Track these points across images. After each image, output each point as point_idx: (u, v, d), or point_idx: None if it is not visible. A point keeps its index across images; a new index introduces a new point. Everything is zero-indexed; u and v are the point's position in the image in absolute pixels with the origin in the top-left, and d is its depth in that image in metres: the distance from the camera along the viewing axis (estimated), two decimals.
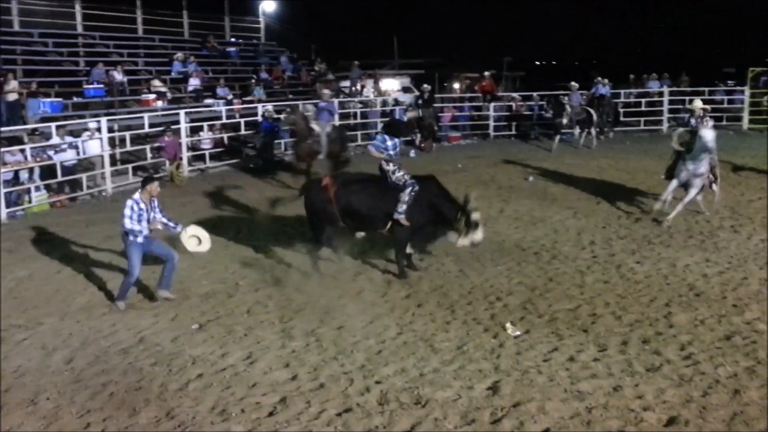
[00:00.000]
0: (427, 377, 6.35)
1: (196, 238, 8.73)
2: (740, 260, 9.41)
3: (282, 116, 16.51)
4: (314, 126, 15.23)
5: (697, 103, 12.65)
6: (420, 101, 21.29)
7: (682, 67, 26.90)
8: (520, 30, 43.12)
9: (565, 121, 20.21)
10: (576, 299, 8.20)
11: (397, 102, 23.38)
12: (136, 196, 8.24)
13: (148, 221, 8.22)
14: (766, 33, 35.98)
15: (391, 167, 9.04)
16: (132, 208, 8.15)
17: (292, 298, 8.46)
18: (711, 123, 11.95)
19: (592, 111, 20.87)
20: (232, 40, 26.13)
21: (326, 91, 18.37)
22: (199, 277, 9.36)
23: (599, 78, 22.65)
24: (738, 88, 24.83)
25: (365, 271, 9.44)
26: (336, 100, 19.46)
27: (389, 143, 9.16)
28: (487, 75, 25.35)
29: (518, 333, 7.25)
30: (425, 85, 22.06)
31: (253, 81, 22.23)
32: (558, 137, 20.28)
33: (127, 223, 8.12)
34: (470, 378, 6.30)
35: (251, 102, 20.45)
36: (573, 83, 22.22)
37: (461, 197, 9.12)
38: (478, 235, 8.88)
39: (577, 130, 20.57)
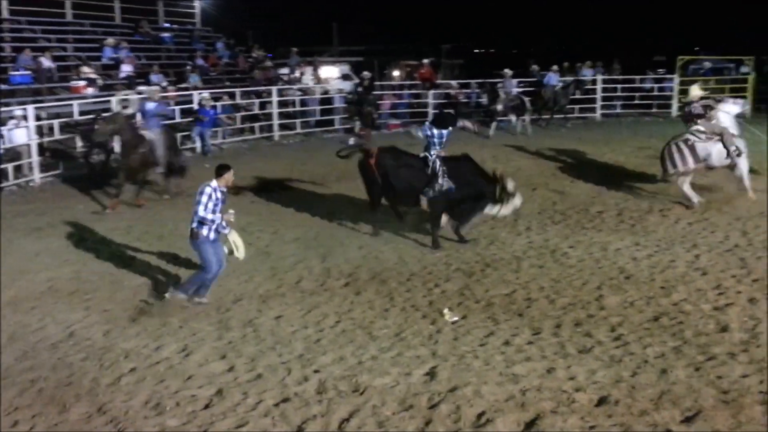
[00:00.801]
0: (366, 365, 6.37)
1: (233, 244, 8.01)
2: (668, 243, 9.72)
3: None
4: (144, 133, 12.77)
5: (695, 92, 12.89)
6: (360, 89, 21.24)
7: (614, 56, 27.57)
8: (459, 18, 43.38)
9: (500, 107, 20.50)
10: (512, 284, 8.35)
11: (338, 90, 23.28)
12: (214, 183, 7.55)
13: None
14: (694, 22, 37.17)
15: (431, 155, 9.81)
16: (210, 196, 7.47)
17: (229, 288, 8.35)
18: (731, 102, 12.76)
19: (525, 98, 21.28)
20: (166, 25, 25.44)
21: (155, 88, 15.89)
22: (133, 268, 9.14)
23: (555, 67, 23.14)
24: (668, 76, 25.59)
25: (304, 259, 9.39)
26: (166, 102, 16.57)
27: (435, 131, 9.86)
28: (426, 62, 25.47)
29: (456, 318, 7.33)
30: (365, 72, 22.03)
31: (189, 68, 21.72)
32: (494, 124, 20.54)
33: (201, 211, 7.42)
34: (408, 364, 6.34)
35: (187, 89, 19.99)
36: (506, 70, 22.61)
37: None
38: (516, 200, 9.78)
39: (513, 117, 20.88)
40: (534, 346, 6.65)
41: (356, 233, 10.55)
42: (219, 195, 7.59)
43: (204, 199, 7.48)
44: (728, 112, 12.09)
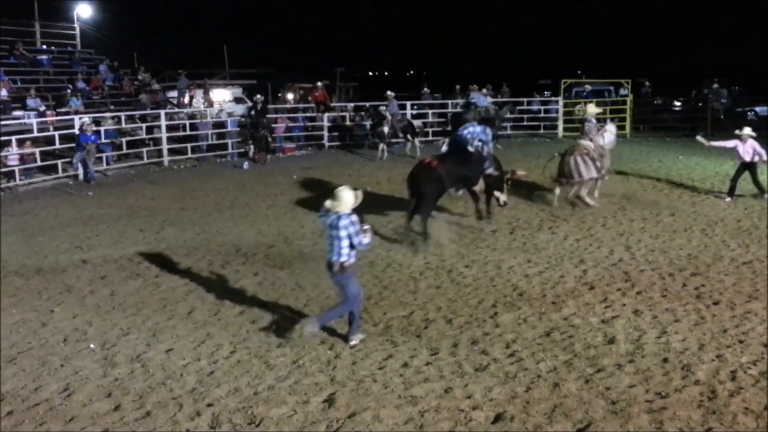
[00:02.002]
0: (262, 395, 6.18)
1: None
2: (557, 260, 10.06)
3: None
4: None
5: (591, 110, 14.43)
6: (253, 112, 20.95)
7: (503, 79, 28.66)
8: (353, 41, 43.90)
9: (386, 129, 20.63)
10: (410, 305, 8.36)
11: (229, 114, 22.85)
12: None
13: None
14: (577, 47, 39.26)
15: (486, 150, 12.01)
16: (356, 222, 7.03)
17: (115, 322, 7.92)
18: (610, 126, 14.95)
19: (412, 120, 21.65)
20: (44, 47, 24.28)
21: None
22: (7, 305, 8.52)
23: (484, 90, 24.04)
24: (553, 98, 26.82)
25: (196, 289, 9.05)
26: None
27: (489, 131, 12.28)
28: (320, 85, 25.52)
29: (354, 343, 7.25)
30: (258, 96, 21.76)
31: (69, 91, 20.76)
32: (383, 146, 20.61)
33: (366, 240, 7.05)
34: (306, 392, 6.20)
35: (67, 113, 19.06)
36: (389, 92, 23.08)
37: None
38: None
39: (402, 139, 21.13)
40: (432, 366, 6.66)
41: (251, 260, 10.30)
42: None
43: (358, 227, 7.03)
44: (612, 132, 14.19)
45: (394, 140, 21.20)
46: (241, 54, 36.01)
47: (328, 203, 7.14)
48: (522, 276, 9.37)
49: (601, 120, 21.15)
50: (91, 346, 7.32)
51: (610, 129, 14.65)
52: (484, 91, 24.33)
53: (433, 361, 6.78)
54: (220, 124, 21.76)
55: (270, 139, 21.00)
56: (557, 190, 13.50)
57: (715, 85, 26.14)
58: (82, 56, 24.84)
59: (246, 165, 19.30)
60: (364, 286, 8.99)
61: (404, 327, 7.69)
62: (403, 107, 24.41)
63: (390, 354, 6.96)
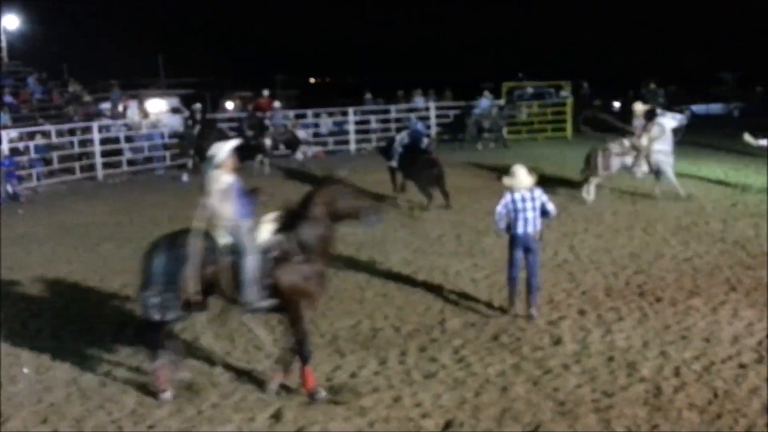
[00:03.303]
0: (206, 414, 5.98)
1: None
2: (504, 264, 10.00)
3: None
4: None
5: (639, 108, 14.94)
6: (190, 122, 20.37)
7: (445, 84, 28.83)
8: (292, 48, 43.65)
9: (268, 141, 19.68)
10: (356, 315, 8.26)
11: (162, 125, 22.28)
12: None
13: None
14: (516, 49, 39.94)
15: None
16: None
17: (45, 347, 7.56)
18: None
19: (296, 132, 21.04)
20: None
21: None
22: None
23: (486, 91, 24.44)
24: (496, 102, 27.07)
25: (135, 308, 8.72)
26: None
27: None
28: (266, 94, 25.12)
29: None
30: (196, 105, 21.27)
31: None
32: (266, 159, 19.68)
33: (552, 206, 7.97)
34: (252, 408, 6.04)
35: None
36: (276, 103, 22.15)
37: None
38: None
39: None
40: (380, 376, 6.58)
41: None
42: None
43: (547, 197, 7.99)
44: (666, 123, 14.19)
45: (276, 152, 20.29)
46: (177, 63, 35.36)
47: (507, 181, 7.96)
48: (469, 281, 9.38)
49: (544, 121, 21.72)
50: (25, 370, 6.99)
51: (664, 121, 14.21)
52: (487, 93, 24.70)
53: (381, 370, 6.70)
54: (157, 136, 21.21)
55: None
56: (591, 184, 13.90)
57: (652, 85, 26.71)
58: (9, 69, 23.95)
59: (185, 177, 18.85)
60: None
61: (352, 337, 7.59)
62: (345, 113, 24.26)
63: (338, 365, 6.85)
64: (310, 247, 6.18)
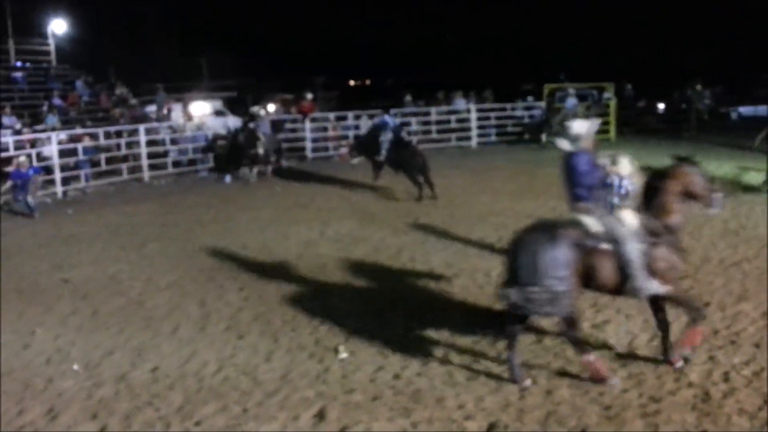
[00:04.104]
0: (251, 412, 6.06)
1: None
2: None
3: None
4: None
5: None
6: (252, 124, 19.33)
7: (485, 85, 28.66)
8: (332, 50, 43.86)
9: (261, 151, 18.60)
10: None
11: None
12: None
13: None
14: (558, 51, 39.49)
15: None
16: None
17: (98, 342, 7.76)
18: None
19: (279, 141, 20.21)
20: (18, 64, 23.99)
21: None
22: None
23: (571, 90, 24.33)
24: (536, 104, 26.84)
25: (181, 306, 8.91)
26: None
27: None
28: (309, 97, 25.33)
29: (344, 356, 7.15)
30: (256, 108, 21.50)
31: (45, 108, 20.50)
32: (255, 170, 18.75)
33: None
34: (296, 407, 6.09)
35: (44, 131, 18.81)
36: (260, 111, 20.93)
37: None
38: None
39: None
40: (423, 377, 6.57)
41: (236, 275, 10.16)
42: None
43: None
44: None
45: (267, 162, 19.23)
46: (220, 66, 35.82)
47: (609, 166, 8.22)
48: None
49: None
50: (75, 366, 7.16)
51: None
52: (571, 91, 24.62)
53: (423, 372, 6.69)
54: (200, 138, 21.52)
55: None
56: None
57: (698, 86, 26.24)
58: (58, 72, 24.60)
59: (228, 178, 19.12)
60: (368, 300, 8.93)
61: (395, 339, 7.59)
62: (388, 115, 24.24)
63: (381, 366, 6.87)
64: (673, 226, 6.36)
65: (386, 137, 16.16)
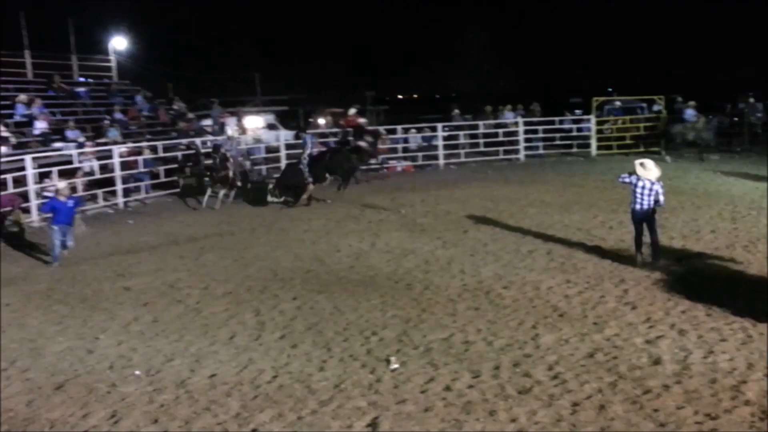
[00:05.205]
0: (306, 420, 6.19)
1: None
2: (597, 279, 9.95)
3: None
4: None
5: None
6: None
7: (533, 98, 28.53)
8: (381, 65, 44.27)
9: (231, 173, 17.52)
10: (449, 328, 8.32)
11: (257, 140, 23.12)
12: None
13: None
14: (607, 64, 39.07)
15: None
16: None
17: (159, 348, 8.03)
18: None
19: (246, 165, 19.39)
20: (81, 79, 24.89)
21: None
22: (54, 333, 8.69)
23: (692, 102, 23.98)
24: (585, 117, 26.59)
25: (237, 314, 9.14)
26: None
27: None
28: (352, 111, 25.67)
29: (396, 366, 7.25)
30: (352, 108, 22.99)
31: (107, 122, 21.23)
32: (222, 192, 17.52)
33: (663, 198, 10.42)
34: (349, 416, 6.20)
35: (105, 144, 19.48)
36: (230, 132, 20.11)
37: None
38: None
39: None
40: (474, 389, 6.61)
41: (289, 285, 10.37)
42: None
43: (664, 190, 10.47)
44: None
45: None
46: (272, 81, 36.52)
47: (640, 171, 10.28)
48: (561, 296, 9.29)
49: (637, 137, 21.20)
50: (137, 372, 7.42)
51: None
52: (692, 103, 24.41)
53: (475, 383, 6.74)
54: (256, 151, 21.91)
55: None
56: None
57: (751, 99, 25.66)
58: (119, 87, 25.41)
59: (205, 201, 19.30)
60: (402, 309, 9.05)
61: (445, 349, 7.66)
62: (434, 129, 24.40)
63: (431, 377, 6.94)
64: None
65: (305, 154, 17.56)
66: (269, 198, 17.64)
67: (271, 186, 17.98)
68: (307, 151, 17.68)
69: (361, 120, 22.85)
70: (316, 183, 17.49)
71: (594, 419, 5.91)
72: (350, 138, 20.79)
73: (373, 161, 21.80)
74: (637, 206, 10.32)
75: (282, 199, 17.35)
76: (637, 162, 10.48)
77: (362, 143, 20.46)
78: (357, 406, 6.40)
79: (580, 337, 7.78)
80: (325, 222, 14.91)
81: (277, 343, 8.08)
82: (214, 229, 14.68)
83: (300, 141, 19.32)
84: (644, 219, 10.33)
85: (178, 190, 19.14)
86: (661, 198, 10.30)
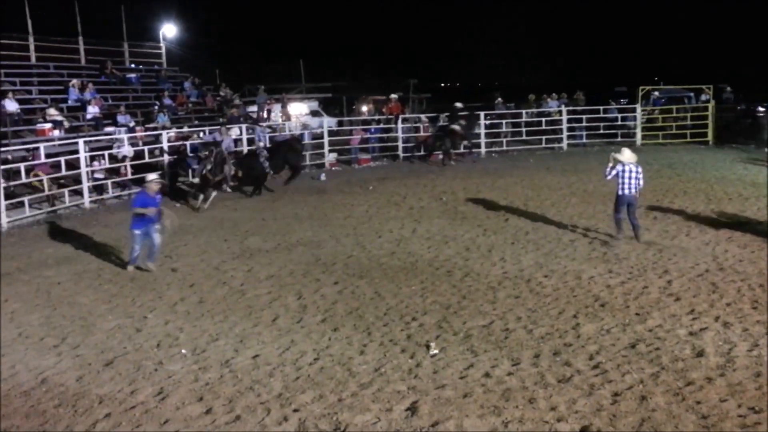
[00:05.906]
0: (346, 402, 6.30)
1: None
2: (640, 270, 9.84)
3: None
4: None
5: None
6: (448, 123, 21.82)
7: (577, 87, 28.11)
8: (424, 53, 44.12)
9: (227, 169, 16.39)
10: (489, 315, 8.35)
11: (305, 126, 23.34)
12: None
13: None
14: (653, 53, 38.25)
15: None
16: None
17: (204, 328, 8.24)
18: None
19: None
20: (132, 65, 25.42)
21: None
22: (104, 312, 8.98)
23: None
24: (630, 106, 26.11)
25: (280, 297, 9.31)
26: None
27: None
28: (393, 98, 25.71)
29: (435, 352, 7.31)
30: (458, 103, 23.26)
31: (156, 107, 21.67)
32: (214, 193, 16.17)
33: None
34: (389, 400, 6.29)
35: (155, 129, 19.89)
36: (224, 128, 19.12)
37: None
38: None
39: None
40: (514, 376, 6.64)
41: (331, 269, 10.50)
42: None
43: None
44: None
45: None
46: (316, 67, 36.76)
47: (619, 156, 11.20)
48: (603, 286, 9.22)
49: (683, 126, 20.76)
50: (183, 351, 7.63)
51: None
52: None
53: (514, 371, 6.76)
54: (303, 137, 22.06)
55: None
56: None
57: None
58: (168, 74, 25.87)
59: (323, 176, 19.65)
60: (442, 296, 9.09)
61: (484, 336, 7.69)
62: (477, 117, 24.28)
63: (471, 363, 6.99)
64: None
65: (260, 146, 18.57)
66: (191, 201, 16.11)
67: (193, 189, 16.50)
68: (261, 144, 18.95)
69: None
70: (274, 173, 18.05)
71: (635, 410, 5.89)
72: (444, 123, 21.87)
73: (465, 143, 22.26)
74: (626, 191, 11.08)
75: (200, 199, 15.57)
76: (615, 154, 11.38)
77: (456, 126, 21.43)
78: (396, 390, 6.49)
79: (622, 328, 7.73)
80: (366, 208, 15.01)
81: (318, 326, 8.22)
82: (258, 214, 14.89)
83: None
84: (629, 202, 11.09)
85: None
86: (641, 182, 11.23)
